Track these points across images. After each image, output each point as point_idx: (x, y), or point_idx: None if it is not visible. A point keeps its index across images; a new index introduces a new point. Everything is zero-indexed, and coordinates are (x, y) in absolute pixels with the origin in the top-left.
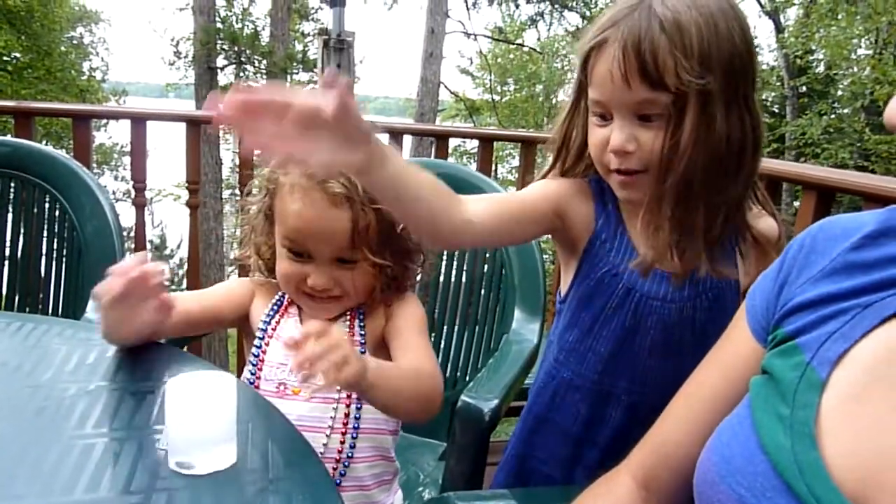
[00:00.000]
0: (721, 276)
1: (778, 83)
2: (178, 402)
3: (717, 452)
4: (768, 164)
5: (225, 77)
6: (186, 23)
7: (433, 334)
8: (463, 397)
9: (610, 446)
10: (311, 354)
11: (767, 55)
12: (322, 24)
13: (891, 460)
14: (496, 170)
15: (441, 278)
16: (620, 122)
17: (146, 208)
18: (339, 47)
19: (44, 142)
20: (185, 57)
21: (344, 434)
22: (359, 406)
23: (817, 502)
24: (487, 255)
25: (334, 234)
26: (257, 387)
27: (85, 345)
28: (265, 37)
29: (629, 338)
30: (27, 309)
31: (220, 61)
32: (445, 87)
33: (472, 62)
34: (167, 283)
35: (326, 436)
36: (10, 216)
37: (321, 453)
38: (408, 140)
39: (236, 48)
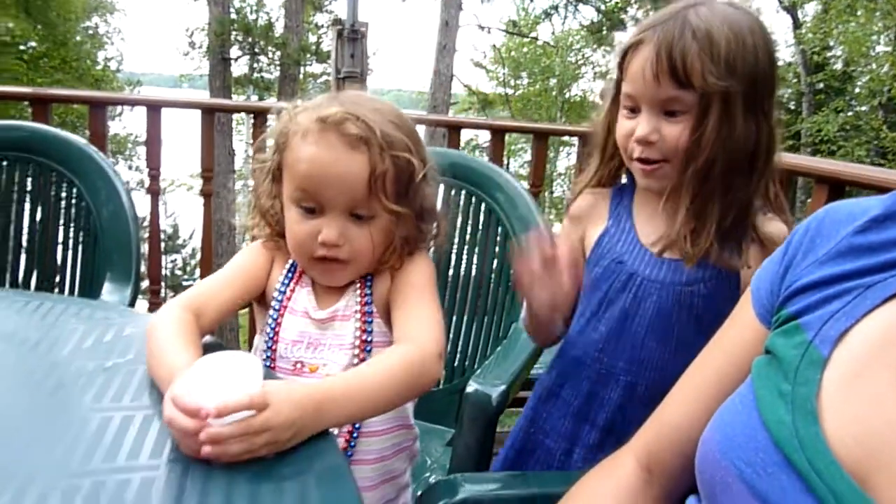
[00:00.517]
0: (726, 265)
1: (794, 79)
2: (204, 381)
3: (719, 431)
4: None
5: (238, 68)
6: (201, 13)
7: None
8: (471, 383)
9: (607, 428)
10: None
11: (785, 51)
12: (336, 14)
13: (891, 436)
14: (508, 164)
15: (451, 269)
16: (647, 115)
17: (159, 198)
18: (352, 38)
19: None
20: (199, 47)
21: None
22: None
23: (818, 476)
24: (498, 243)
25: (350, 180)
26: (273, 367)
27: (103, 324)
28: (279, 28)
29: (628, 319)
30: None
31: (234, 52)
32: (458, 80)
33: (485, 55)
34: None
35: None
36: (27, 200)
37: (337, 431)
38: (420, 131)
39: (250, 39)
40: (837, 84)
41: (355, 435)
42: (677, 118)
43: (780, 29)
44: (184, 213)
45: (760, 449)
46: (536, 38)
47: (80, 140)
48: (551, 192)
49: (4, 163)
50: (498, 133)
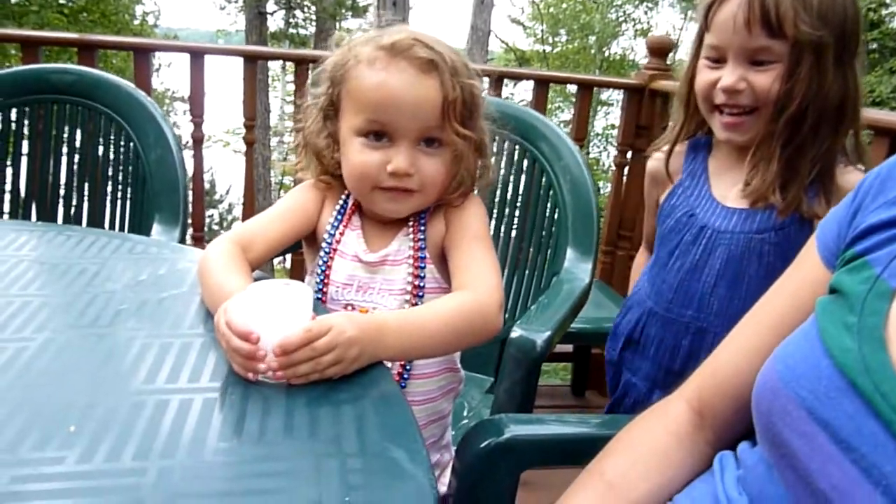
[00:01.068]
0: (812, 215)
1: None
2: (256, 307)
3: (779, 362)
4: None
5: (274, 22)
6: None
7: None
8: (515, 329)
9: (680, 373)
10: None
11: None
12: None
13: None
14: None
15: (493, 219)
16: (734, 64)
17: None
18: None
19: None
20: (236, 2)
21: None
22: None
23: (883, 398)
24: (541, 195)
25: (425, 106)
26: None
27: (156, 258)
28: None
29: (698, 270)
30: None
31: (270, 6)
32: (496, 35)
33: (523, 11)
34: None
35: None
36: (77, 142)
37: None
38: None
39: None
40: (893, 44)
41: (406, 377)
42: (765, 67)
43: None
44: (220, 168)
45: (824, 377)
46: None
47: (128, 84)
48: (587, 153)
49: (55, 106)
50: (542, 84)
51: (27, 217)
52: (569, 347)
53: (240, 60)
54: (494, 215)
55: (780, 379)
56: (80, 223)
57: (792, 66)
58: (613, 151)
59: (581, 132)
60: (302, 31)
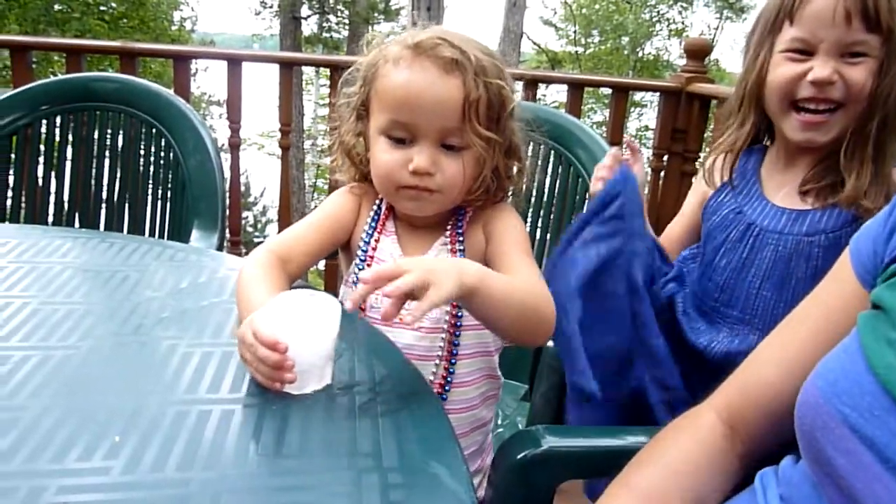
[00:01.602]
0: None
1: None
2: (282, 319)
3: (821, 377)
4: None
5: (308, 27)
6: None
7: None
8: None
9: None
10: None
11: None
12: None
13: None
14: None
15: (527, 225)
16: (825, 57)
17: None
18: None
19: None
20: (270, 7)
21: (449, 361)
22: (457, 334)
23: None
24: (577, 201)
25: (445, 105)
26: (361, 318)
27: (196, 266)
28: None
29: (745, 269)
30: None
31: (304, 11)
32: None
33: (555, 13)
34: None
35: (435, 364)
36: (118, 149)
37: (430, 381)
38: None
39: None
40: None
41: (447, 388)
42: (858, 60)
43: None
44: (254, 171)
45: (867, 393)
46: None
47: (168, 92)
48: None
49: (97, 113)
50: (576, 88)
51: (70, 224)
52: None
53: (275, 66)
54: (529, 219)
55: (821, 395)
56: (121, 229)
57: (886, 61)
58: (647, 153)
59: (616, 136)
60: (335, 35)
